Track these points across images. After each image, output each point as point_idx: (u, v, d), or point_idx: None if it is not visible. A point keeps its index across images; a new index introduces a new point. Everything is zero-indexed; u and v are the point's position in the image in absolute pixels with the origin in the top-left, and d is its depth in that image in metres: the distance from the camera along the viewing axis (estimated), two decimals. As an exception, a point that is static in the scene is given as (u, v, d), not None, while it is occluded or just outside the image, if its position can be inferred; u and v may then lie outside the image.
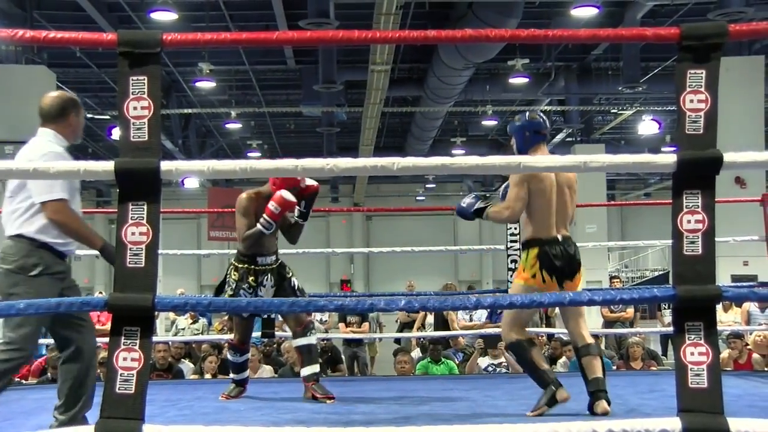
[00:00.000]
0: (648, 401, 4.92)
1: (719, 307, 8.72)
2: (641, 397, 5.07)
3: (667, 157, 2.48)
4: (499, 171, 2.94)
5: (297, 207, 5.16)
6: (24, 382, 7.95)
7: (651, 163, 2.65)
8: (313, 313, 7.90)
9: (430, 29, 3.12)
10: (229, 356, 5.48)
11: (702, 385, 2.34)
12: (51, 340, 8.75)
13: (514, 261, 6.40)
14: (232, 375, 5.49)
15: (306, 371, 5.14)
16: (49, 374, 7.72)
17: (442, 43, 13.40)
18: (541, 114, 4.68)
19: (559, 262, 4.37)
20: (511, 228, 6.49)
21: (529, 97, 19.14)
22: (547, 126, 4.59)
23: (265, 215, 4.96)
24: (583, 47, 16.73)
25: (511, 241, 6.48)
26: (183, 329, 11.64)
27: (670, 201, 2.47)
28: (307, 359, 5.17)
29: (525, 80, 16.96)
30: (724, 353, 8.15)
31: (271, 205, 4.93)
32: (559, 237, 4.43)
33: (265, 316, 6.59)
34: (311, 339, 5.19)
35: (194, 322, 11.65)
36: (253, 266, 5.15)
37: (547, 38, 2.77)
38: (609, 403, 4.26)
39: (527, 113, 4.61)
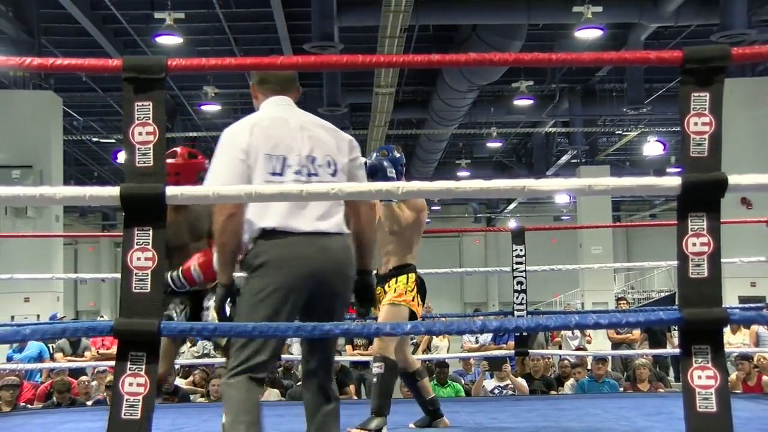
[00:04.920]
0: (655, 423, 4.89)
1: (727, 329, 8.69)
2: (648, 420, 5.03)
3: (672, 180, 2.48)
4: (504, 195, 2.94)
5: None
6: (30, 406, 7.93)
7: (655, 186, 2.65)
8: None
9: (434, 52, 3.14)
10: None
11: (710, 410, 2.32)
12: (53, 365, 8.79)
13: (521, 283, 6.39)
14: None
15: None
16: (54, 399, 7.71)
17: (446, 67, 13.44)
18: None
19: (424, 288, 4.64)
20: (516, 250, 6.47)
21: (534, 118, 19.18)
22: None
23: (182, 275, 4.19)
24: (587, 69, 16.78)
25: (517, 263, 6.46)
26: (182, 353, 11.60)
27: (676, 222, 2.47)
28: None
29: (529, 102, 17.00)
30: (733, 375, 8.10)
31: (195, 272, 4.18)
32: None
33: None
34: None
35: (193, 345, 11.62)
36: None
37: (551, 62, 2.78)
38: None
39: (393, 146, 4.58)
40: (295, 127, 3.00)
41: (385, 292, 4.53)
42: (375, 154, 4.45)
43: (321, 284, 2.91)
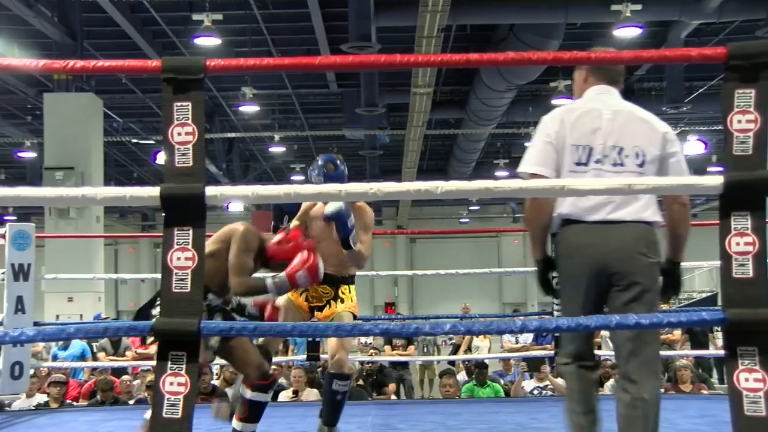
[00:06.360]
0: (699, 426, 4.83)
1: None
2: (691, 422, 4.97)
3: (714, 179, 2.44)
4: (543, 194, 2.91)
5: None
6: (75, 404, 8.05)
7: (697, 186, 2.61)
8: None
9: (472, 52, 3.12)
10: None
11: (760, 414, 2.27)
12: (95, 364, 8.90)
13: (559, 283, 6.32)
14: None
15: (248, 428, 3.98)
16: (98, 397, 7.80)
17: (484, 66, 13.38)
18: None
19: None
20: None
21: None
22: None
23: (286, 280, 3.75)
24: (626, 68, 16.54)
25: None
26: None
27: (717, 222, 2.44)
28: (256, 418, 4.01)
29: (568, 101, 16.84)
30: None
31: (301, 276, 3.76)
32: None
33: (309, 339, 6.60)
34: (269, 396, 4.07)
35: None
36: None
37: (590, 60, 2.75)
38: None
39: (334, 156, 4.51)
40: (608, 117, 3.05)
41: (337, 295, 4.49)
42: (319, 162, 4.42)
43: (610, 272, 2.93)
